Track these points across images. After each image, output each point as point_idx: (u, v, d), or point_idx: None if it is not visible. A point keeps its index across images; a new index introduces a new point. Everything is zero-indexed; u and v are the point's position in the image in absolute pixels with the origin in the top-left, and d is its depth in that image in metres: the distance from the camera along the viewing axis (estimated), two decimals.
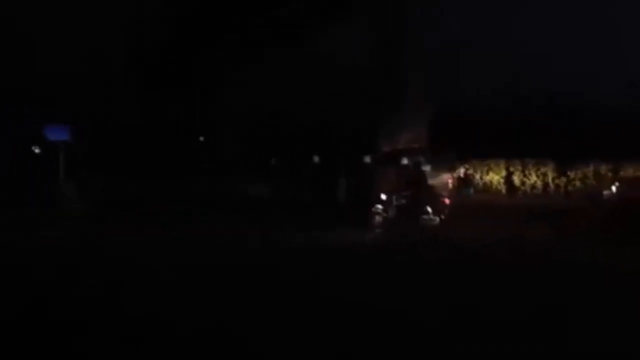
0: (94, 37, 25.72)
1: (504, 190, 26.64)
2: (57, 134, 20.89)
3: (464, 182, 24.82)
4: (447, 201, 17.12)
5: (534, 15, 24.82)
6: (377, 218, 16.05)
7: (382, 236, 15.17)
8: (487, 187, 26.91)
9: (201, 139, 25.77)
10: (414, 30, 25.66)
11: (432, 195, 16.83)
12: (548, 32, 24.68)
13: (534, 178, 26.74)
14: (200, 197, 21.29)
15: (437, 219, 16.02)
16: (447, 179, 22.25)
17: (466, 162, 25.96)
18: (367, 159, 18.64)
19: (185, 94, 27.46)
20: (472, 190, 25.45)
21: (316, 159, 20.82)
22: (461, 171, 24.93)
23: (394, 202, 16.27)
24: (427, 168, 20.71)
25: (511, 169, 26.88)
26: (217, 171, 24.55)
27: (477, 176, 26.97)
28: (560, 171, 26.60)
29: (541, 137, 25.85)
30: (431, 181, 22.05)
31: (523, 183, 26.79)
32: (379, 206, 16.19)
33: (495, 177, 26.89)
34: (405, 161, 19.15)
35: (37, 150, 23.06)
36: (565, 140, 25.46)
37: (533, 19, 24.87)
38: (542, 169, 26.71)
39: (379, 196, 16.32)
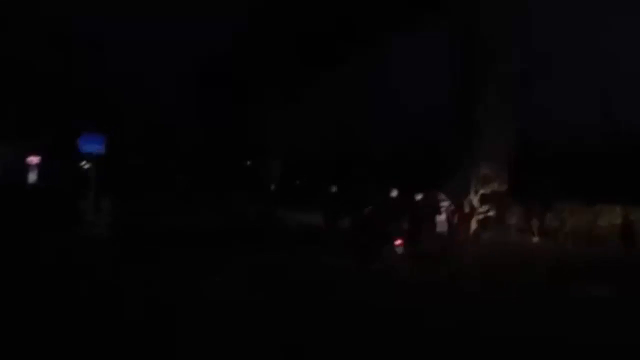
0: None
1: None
2: (90, 146, 19.68)
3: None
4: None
5: None
6: None
7: None
8: (595, 237, 21.47)
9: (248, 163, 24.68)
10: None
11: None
12: None
13: None
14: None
15: None
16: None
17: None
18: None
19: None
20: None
21: (334, 188, 18.75)
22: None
23: None
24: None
25: (631, 217, 21.20)
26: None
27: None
28: None
29: None
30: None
31: None
32: None
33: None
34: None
35: (86, 166, 22.37)
36: None
37: None
38: None
39: None
